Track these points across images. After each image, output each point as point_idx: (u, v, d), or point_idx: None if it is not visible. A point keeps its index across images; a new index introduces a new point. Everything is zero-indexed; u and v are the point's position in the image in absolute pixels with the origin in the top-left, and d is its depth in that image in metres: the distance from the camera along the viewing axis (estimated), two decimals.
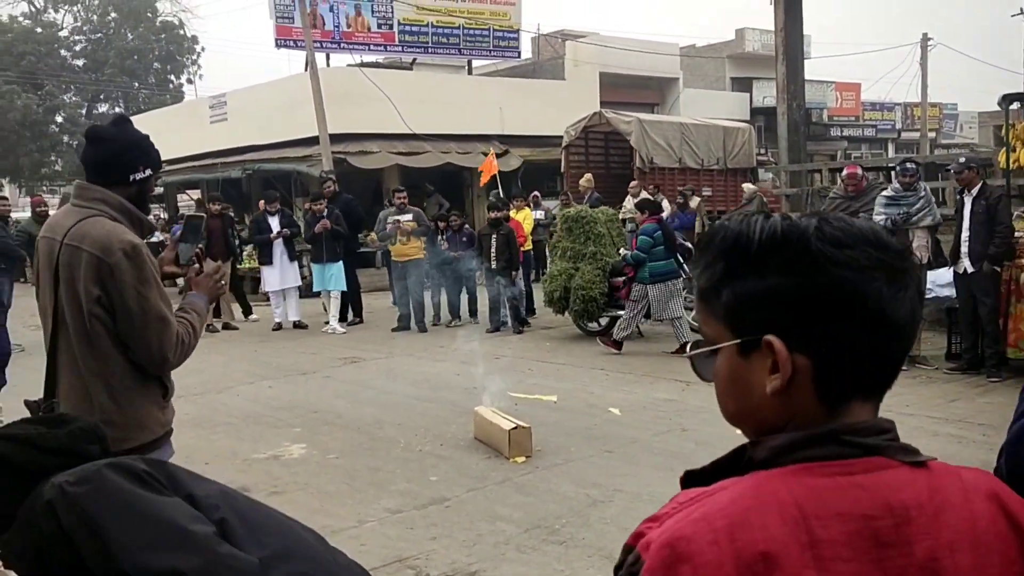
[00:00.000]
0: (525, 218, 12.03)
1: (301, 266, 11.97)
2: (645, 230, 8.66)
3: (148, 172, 2.67)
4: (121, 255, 2.48)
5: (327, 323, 11.30)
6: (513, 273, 10.34)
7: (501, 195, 13.19)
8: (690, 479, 0.98)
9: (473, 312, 11.41)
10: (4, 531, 1.49)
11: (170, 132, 21.58)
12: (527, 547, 4.12)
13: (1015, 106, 9.54)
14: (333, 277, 11.15)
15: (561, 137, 17.85)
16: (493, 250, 10.36)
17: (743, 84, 27.54)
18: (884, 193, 7.69)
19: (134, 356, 2.55)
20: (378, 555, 4.11)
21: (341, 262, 11.12)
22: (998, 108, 8.81)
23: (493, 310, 10.65)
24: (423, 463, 5.52)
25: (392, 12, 20.48)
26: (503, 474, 5.19)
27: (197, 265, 2.77)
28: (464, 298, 11.34)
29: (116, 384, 2.55)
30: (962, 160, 7.47)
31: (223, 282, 2.96)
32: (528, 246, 11.78)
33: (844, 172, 8.35)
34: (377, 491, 5.03)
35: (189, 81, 36.00)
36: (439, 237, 11.16)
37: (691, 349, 1.02)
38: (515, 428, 5.49)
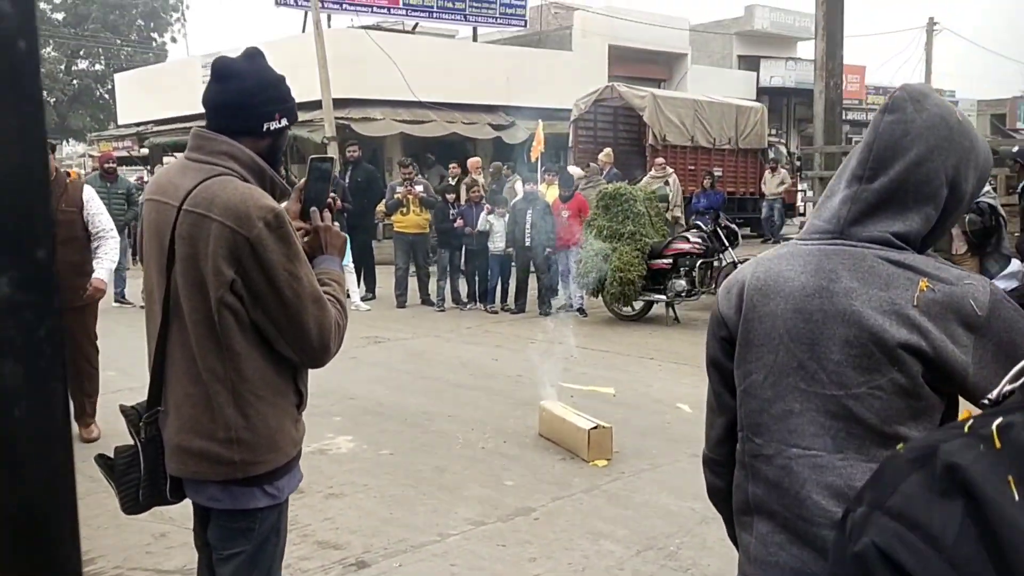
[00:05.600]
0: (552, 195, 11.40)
1: None
2: None
3: (284, 122, 2.08)
4: (263, 226, 1.89)
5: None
6: (548, 251, 9.71)
7: (541, 168, 12.57)
8: None
9: (504, 295, 10.47)
10: None
11: (160, 91, 20.63)
12: (645, 573, 3.59)
13: None
14: None
15: (568, 110, 17.23)
16: (528, 225, 9.72)
17: (750, 63, 26.89)
18: None
19: (285, 351, 1.98)
20: None
21: (346, 235, 10.33)
22: (997, 97, 8.39)
23: (520, 291, 10.04)
24: (491, 464, 4.96)
25: None
26: (587, 480, 4.65)
27: (329, 220, 2.18)
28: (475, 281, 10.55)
29: (246, 392, 1.97)
30: None
31: None
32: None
33: None
34: (450, 497, 4.47)
35: (173, 40, 34.85)
36: (451, 211, 10.38)
37: None
38: (595, 428, 4.94)
